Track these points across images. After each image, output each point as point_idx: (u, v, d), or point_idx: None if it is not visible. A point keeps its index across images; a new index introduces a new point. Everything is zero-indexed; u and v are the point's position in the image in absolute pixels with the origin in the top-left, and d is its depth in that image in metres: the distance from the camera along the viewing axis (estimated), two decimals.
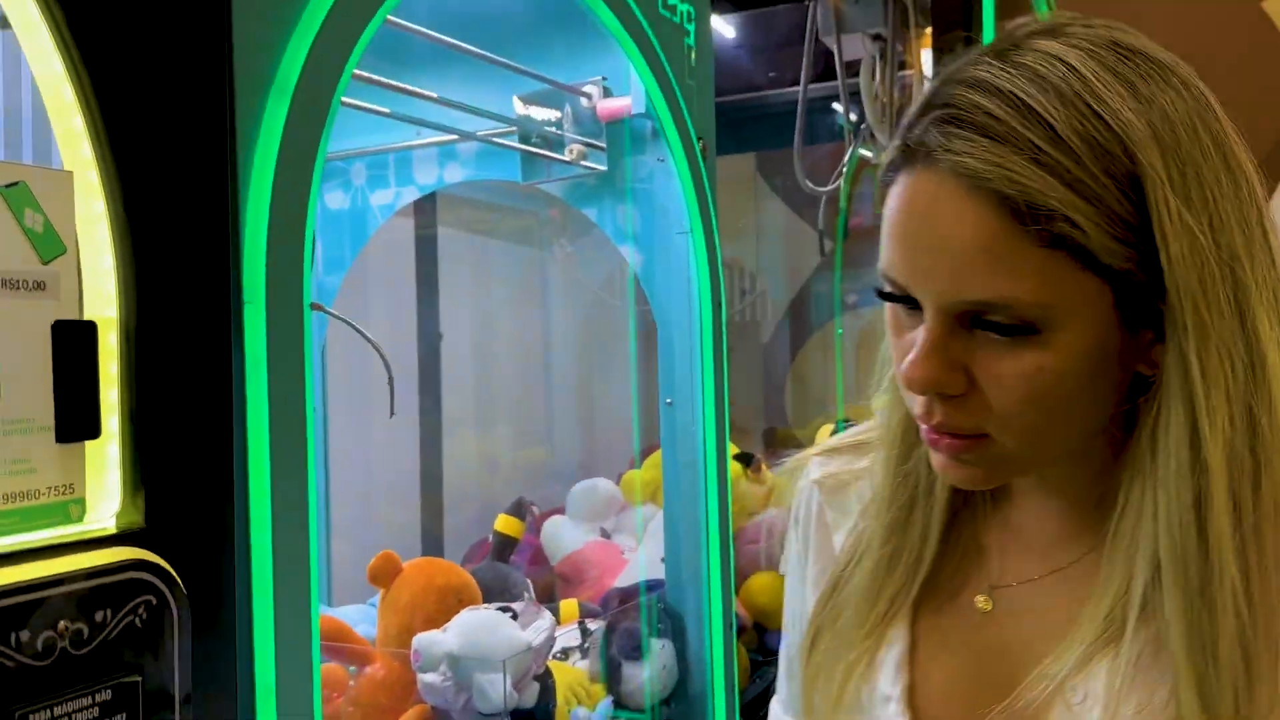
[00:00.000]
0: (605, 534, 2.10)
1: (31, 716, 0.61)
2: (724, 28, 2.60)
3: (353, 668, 1.34)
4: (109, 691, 0.65)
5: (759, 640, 2.19)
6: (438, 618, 1.29)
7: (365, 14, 0.95)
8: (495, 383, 2.47)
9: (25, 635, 0.62)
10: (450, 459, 2.28)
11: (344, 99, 1.11)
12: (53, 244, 0.66)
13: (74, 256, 0.68)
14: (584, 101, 1.58)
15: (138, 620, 0.68)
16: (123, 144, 0.71)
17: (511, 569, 1.64)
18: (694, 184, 1.51)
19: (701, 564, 1.57)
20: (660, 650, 1.52)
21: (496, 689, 1.19)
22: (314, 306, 1.00)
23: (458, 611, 1.28)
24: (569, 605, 1.66)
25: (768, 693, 2.07)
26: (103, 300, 0.71)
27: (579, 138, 1.59)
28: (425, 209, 2.14)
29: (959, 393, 0.55)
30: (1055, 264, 0.52)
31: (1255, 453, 0.52)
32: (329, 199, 2.00)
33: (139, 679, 0.67)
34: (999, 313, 0.53)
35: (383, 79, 1.31)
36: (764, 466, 2.43)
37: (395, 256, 2.14)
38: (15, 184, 0.64)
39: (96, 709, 0.65)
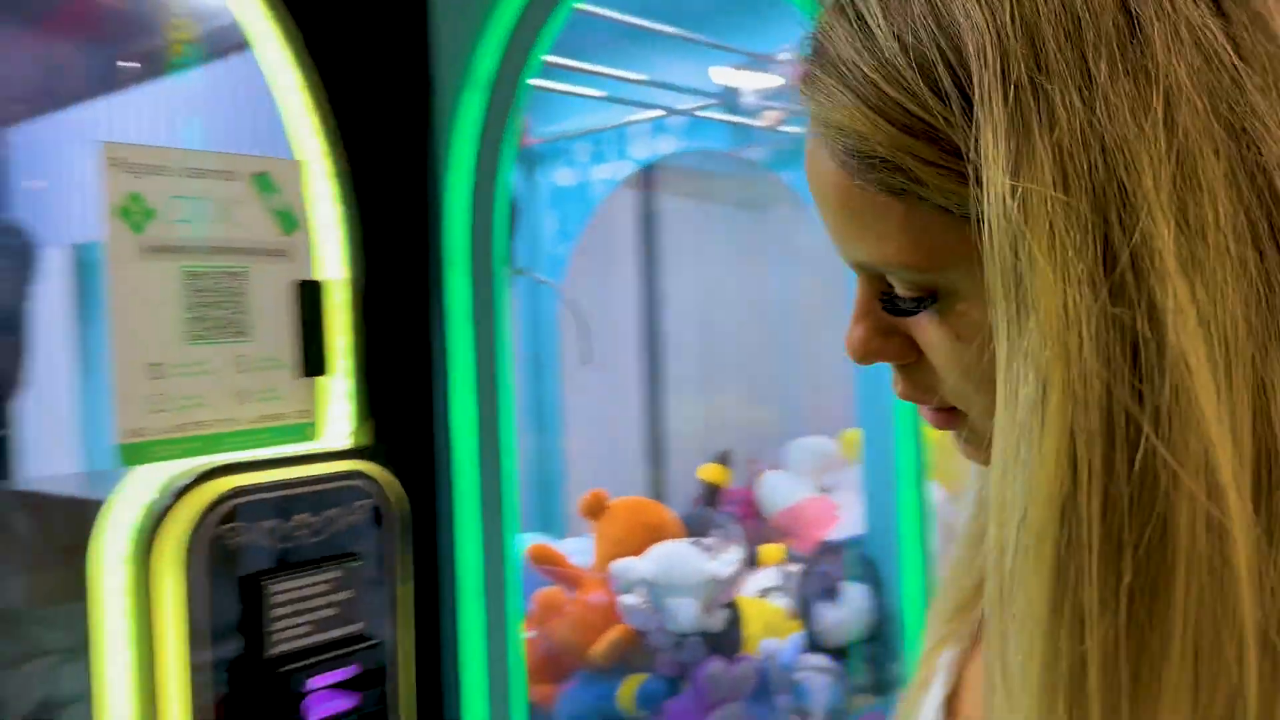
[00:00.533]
0: (824, 490, 2.17)
1: (274, 586, 0.79)
2: None
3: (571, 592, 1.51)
4: (337, 570, 0.83)
5: None
6: (640, 550, 1.43)
7: (550, 7, 1.08)
8: (718, 344, 2.59)
9: (273, 523, 0.80)
10: (675, 419, 2.42)
11: (556, 85, 1.24)
12: (291, 220, 0.84)
13: (307, 230, 0.85)
14: (780, 69, 1.66)
15: (360, 518, 0.86)
16: (345, 138, 0.88)
17: (715, 513, 1.76)
18: None
19: (899, 515, 1.62)
20: (855, 594, 1.59)
21: (686, 612, 1.31)
22: (515, 271, 1.16)
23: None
24: (772, 549, 1.75)
25: None
26: (331, 265, 0.89)
27: (777, 105, 1.67)
28: (646, 181, 2.29)
29: (904, 361, 0.49)
30: (917, 217, 0.44)
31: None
32: (557, 176, 2.19)
33: (359, 564, 0.85)
34: (893, 278, 0.47)
35: (590, 66, 1.45)
36: None
37: (619, 226, 2.29)
38: (262, 173, 0.82)
39: (326, 584, 0.82)
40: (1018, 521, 0.39)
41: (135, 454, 0.76)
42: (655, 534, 1.45)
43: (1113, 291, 0.38)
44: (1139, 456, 0.37)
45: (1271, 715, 0.37)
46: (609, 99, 1.67)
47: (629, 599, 1.35)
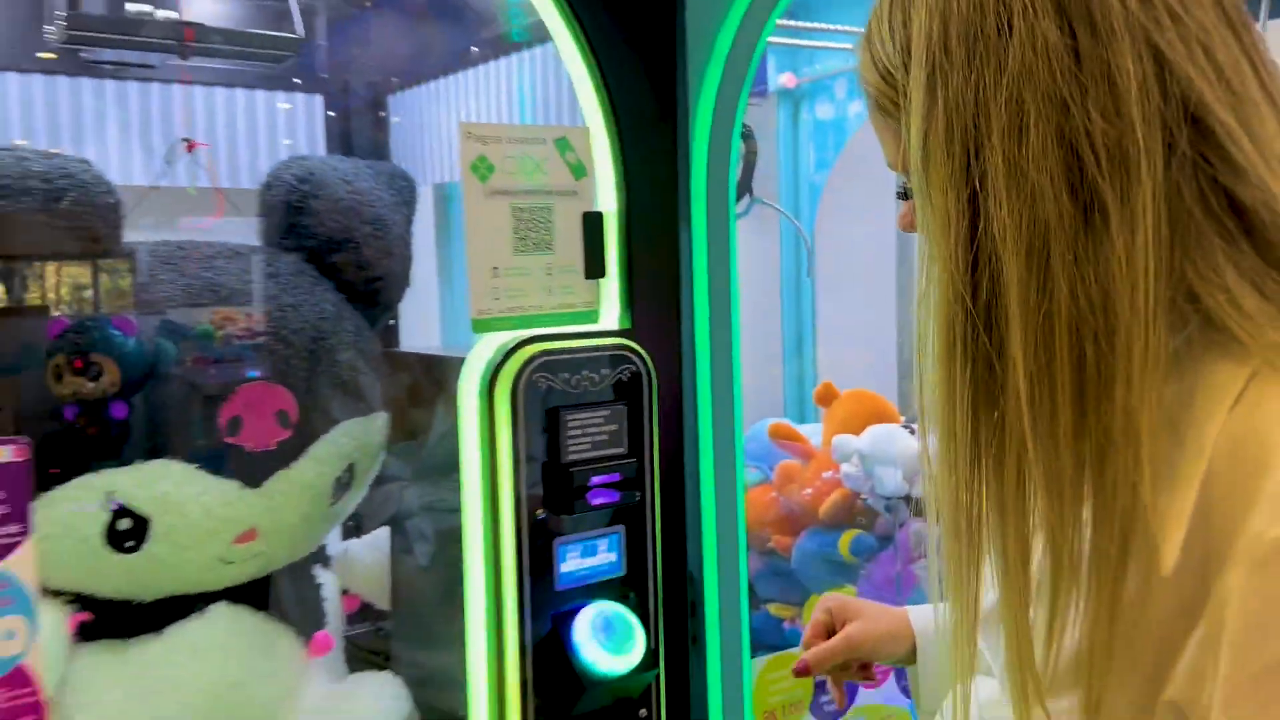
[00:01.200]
0: None
1: (568, 416, 1.19)
2: None
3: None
4: (609, 410, 1.22)
5: None
6: (860, 430, 1.74)
7: None
8: None
9: (566, 375, 1.20)
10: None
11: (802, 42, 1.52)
12: (581, 170, 1.22)
13: (592, 177, 1.23)
14: None
15: (625, 376, 1.24)
16: (617, 109, 1.25)
17: None
18: None
19: None
20: None
21: (892, 480, 1.61)
22: (754, 200, 1.49)
23: None
24: None
25: None
26: (608, 201, 1.26)
27: None
28: None
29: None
30: (894, 133, 0.72)
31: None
32: (819, 110, 2.47)
33: (626, 406, 1.23)
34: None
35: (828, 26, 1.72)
36: None
37: (870, 156, 2.53)
38: (561, 137, 1.20)
39: (601, 418, 1.21)
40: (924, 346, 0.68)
41: (483, 326, 1.18)
42: (873, 418, 1.75)
43: (971, 199, 0.63)
44: (981, 301, 0.64)
45: None
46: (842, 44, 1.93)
47: (847, 467, 1.67)
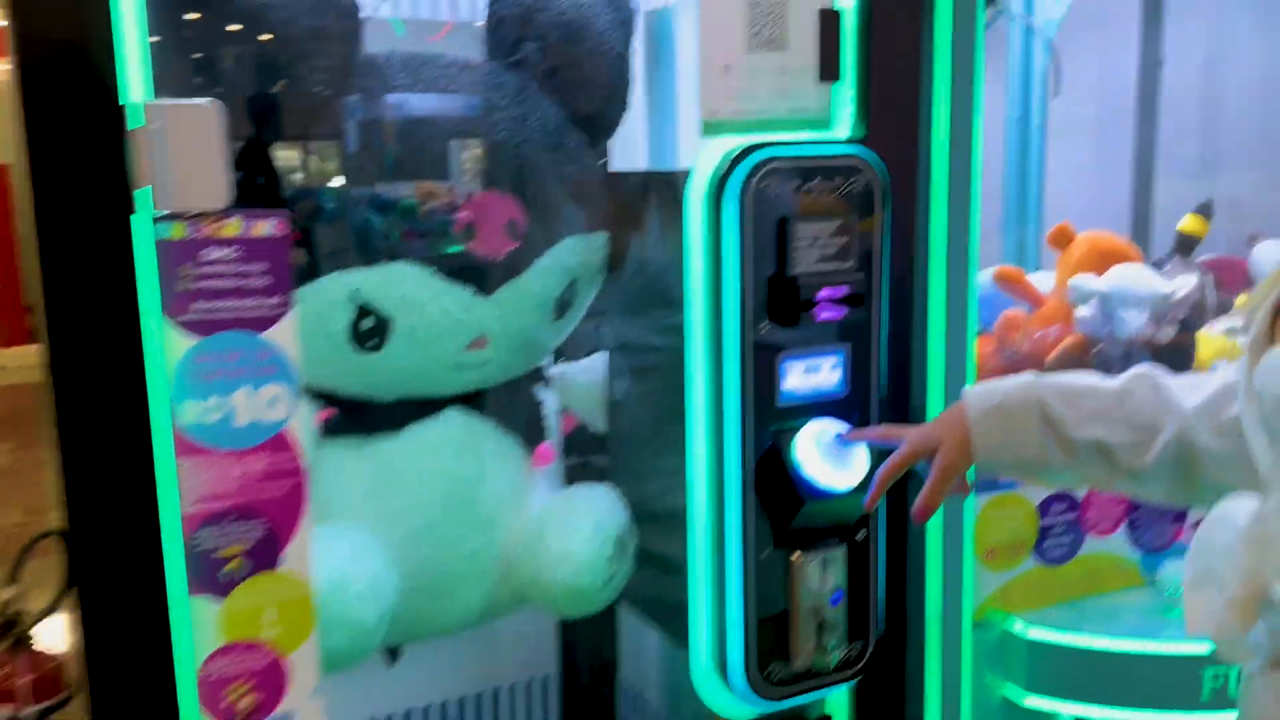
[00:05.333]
0: None
1: (797, 226, 1.14)
2: None
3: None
4: (838, 221, 1.17)
5: None
6: (1100, 273, 1.62)
7: None
8: (1222, 120, 2.49)
9: (796, 184, 1.15)
10: (1163, 200, 2.41)
11: None
12: None
13: None
14: None
15: (855, 189, 1.18)
16: None
17: (1187, 262, 1.84)
18: None
19: None
20: None
21: (1135, 322, 1.50)
22: (995, 9, 1.37)
23: None
24: (1247, 296, 1.82)
25: None
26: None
27: None
28: None
29: None
30: None
31: None
32: None
33: (853, 219, 1.18)
34: None
35: None
36: None
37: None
38: None
39: (830, 230, 1.16)
40: None
41: (713, 129, 1.14)
42: (1114, 259, 1.62)
43: None
44: None
45: None
46: None
47: (1083, 310, 1.56)
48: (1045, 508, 1.48)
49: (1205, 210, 1.89)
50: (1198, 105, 2.47)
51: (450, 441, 1.31)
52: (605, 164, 1.58)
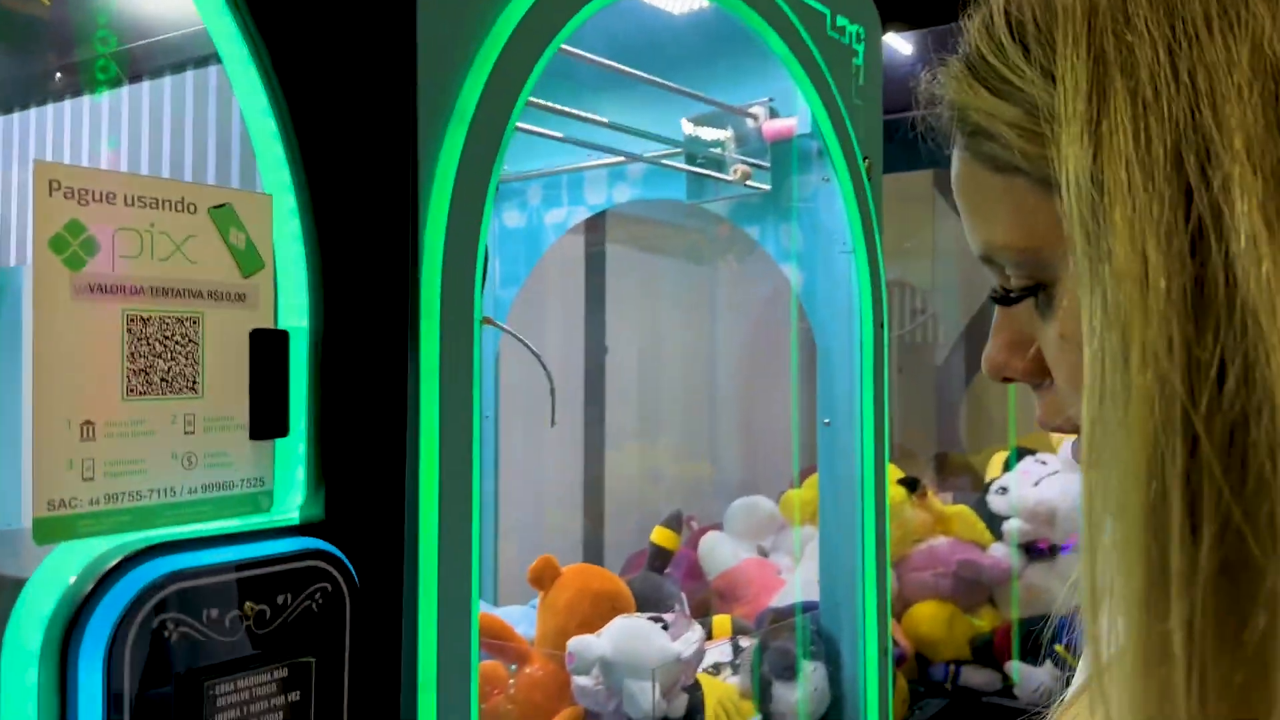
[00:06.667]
0: (763, 552, 2.10)
1: (218, 687, 0.68)
2: (901, 45, 2.57)
3: (512, 666, 1.40)
4: (285, 670, 0.72)
5: (920, 672, 2.14)
6: (593, 622, 1.33)
7: (539, 45, 1.00)
8: (659, 397, 2.52)
9: (214, 613, 0.69)
10: (613, 470, 2.34)
11: (520, 124, 1.18)
12: (253, 260, 0.73)
13: (270, 271, 0.75)
14: (750, 122, 1.60)
15: (314, 605, 0.75)
16: (316, 170, 0.78)
17: (666, 580, 1.67)
18: (858, 203, 1.51)
19: (858, 587, 1.56)
20: (813, 672, 1.51)
21: (646, 696, 1.22)
22: (485, 321, 1.06)
23: (612, 617, 1.32)
24: (722, 620, 1.67)
25: None
26: (295, 311, 0.78)
27: (744, 158, 1.61)
28: (595, 227, 2.21)
29: (1034, 381, 0.49)
30: (1016, 194, 0.44)
31: None
32: (506, 218, 2.10)
33: (313, 660, 0.73)
34: (1005, 265, 0.47)
35: (556, 105, 1.37)
36: (930, 493, 2.38)
37: (566, 272, 2.21)
38: (223, 205, 0.71)
39: (274, 685, 0.71)
40: (1105, 496, 0.38)
41: (55, 529, 0.64)
42: (607, 604, 1.36)
43: (1191, 246, 0.36)
44: (1220, 420, 0.35)
45: None
46: (571, 141, 1.59)
47: (583, 680, 1.25)
48: None
49: (675, 523, 1.74)
50: (637, 382, 2.45)
51: None
52: None
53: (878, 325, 1.52)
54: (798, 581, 1.94)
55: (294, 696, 0.72)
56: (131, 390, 0.67)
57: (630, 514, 2.36)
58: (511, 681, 1.36)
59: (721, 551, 2.04)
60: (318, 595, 0.75)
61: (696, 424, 2.66)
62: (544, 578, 1.39)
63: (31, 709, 0.64)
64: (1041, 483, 2.29)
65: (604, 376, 2.28)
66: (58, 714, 0.64)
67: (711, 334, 2.61)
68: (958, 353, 3.38)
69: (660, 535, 1.72)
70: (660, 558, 1.72)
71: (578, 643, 1.25)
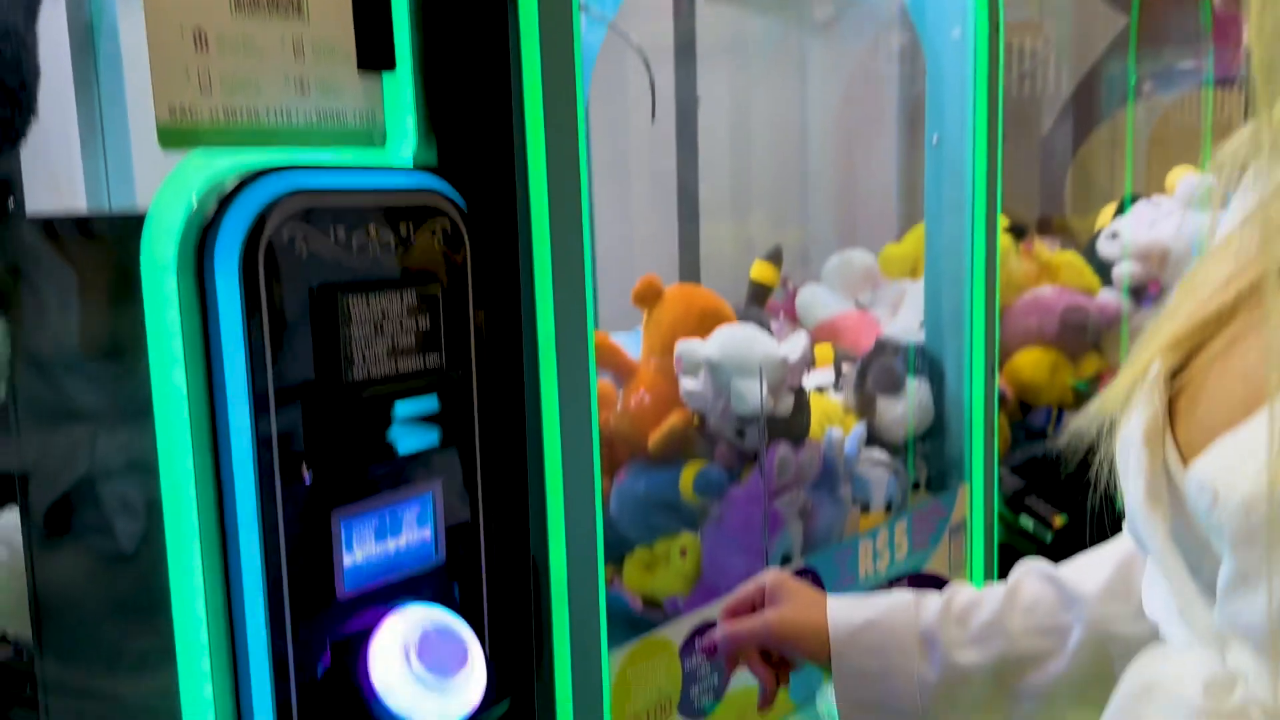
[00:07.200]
0: (861, 306, 2.08)
1: (352, 301, 0.69)
2: None
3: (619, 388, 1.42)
4: (414, 295, 0.73)
5: (1022, 416, 2.13)
6: (698, 335, 1.34)
7: None
8: (751, 153, 2.45)
9: (341, 232, 0.70)
10: (707, 228, 2.31)
11: None
12: None
13: None
14: None
15: (436, 242, 0.75)
16: None
17: (766, 315, 1.66)
18: None
19: (964, 307, 1.53)
20: (916, 388, 1.51)
21: (754, 393, 1.23)
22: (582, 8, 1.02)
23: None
24: (824, 349, 1.67)
25: (1031, 463, 2.01)
26: None
27: None
28: None
29: None
30: None
31: None
32: None
33: (439, 288, 0.74)
34: None
35: None
36: (1037, 242, 2.31)
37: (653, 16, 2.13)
38: None
39: (404, 307, 0.72)
40: None
41: (179, 136, 0.64)
42: (713, 318, 1.36)
43: None
44: None
45: None
46: None
47: (690, 383, 1.26)
48: (687, 649, 1.15)
49: (776, 257, 1.72)
50: (729, 145, 2.39)
51: None
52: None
53: (993, 26, 1.44)
54: (900, 325, 1.92)
55: (424, 323, 0.74)
56: (239, 5, 0.66)
57: (724, 277, 2.34)
58: (620, 395, 1.39)
59: (819, 302, 2.02)
60: (439, 231, 0.75)
61: (792, 184, 2.60)
62: (648, 296, 1.39)
63: (174, 317, 0.66)
64: (1155, 224, 2.20)
65: (696, 131, 2.22)
66: (199, 321, 0.66)
67: (809, 88, 2.51)
68: (1064, 120, 3.22)
69: (760, 270, 1.70)
70: (761, 294, 1.71)
71: (685, 345, 1.26)
